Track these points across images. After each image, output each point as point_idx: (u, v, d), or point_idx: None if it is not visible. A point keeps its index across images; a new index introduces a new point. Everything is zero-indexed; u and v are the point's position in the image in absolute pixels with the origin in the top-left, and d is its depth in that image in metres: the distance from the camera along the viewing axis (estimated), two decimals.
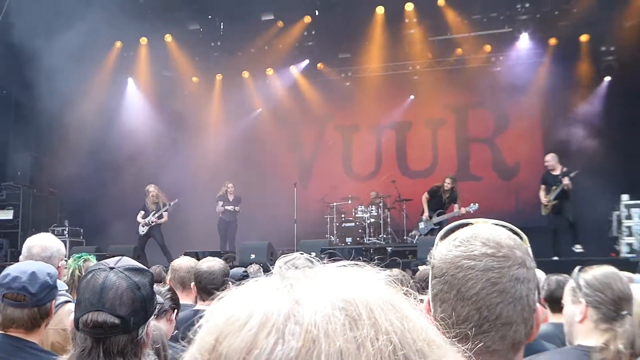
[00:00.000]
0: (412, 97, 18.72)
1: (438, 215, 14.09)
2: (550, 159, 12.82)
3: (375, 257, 13.02)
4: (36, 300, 2.58)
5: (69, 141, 16.50)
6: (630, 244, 12.31)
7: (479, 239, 1.40)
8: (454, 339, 1.36)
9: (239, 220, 15.43)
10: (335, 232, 16.10)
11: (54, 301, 2.70)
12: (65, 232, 15.10)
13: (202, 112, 19.29)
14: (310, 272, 0.68)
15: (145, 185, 14.54)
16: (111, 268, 1.91)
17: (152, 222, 14.13)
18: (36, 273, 2.58)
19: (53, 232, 14.76)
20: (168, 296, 3.58)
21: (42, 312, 2.63)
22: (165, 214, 14.25)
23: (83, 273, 3.31)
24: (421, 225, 14.36)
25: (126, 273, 1.90)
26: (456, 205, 13.90)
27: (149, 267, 7.71)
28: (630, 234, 12.41)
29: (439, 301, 1.40)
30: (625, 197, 12.68)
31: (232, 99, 19.20)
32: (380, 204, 15.79)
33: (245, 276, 5.64)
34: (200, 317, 0.67)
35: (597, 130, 15.52)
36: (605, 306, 2.48)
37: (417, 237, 14.44)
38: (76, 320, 1.90)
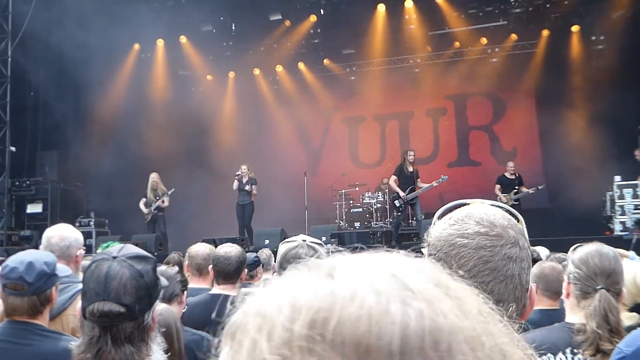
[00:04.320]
0: None
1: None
2: (513, 165, 14.02)
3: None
4: (35, 289, 2.55)
5: (94, 137, 16.49)
6: (623, 222, 12.18)
7: (473, 218, 1.33)
8: None
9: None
10: (344, 217, 16.05)
11: (54, 288, 2.67)
12: (92, 223, 15.12)
13: (217, 107, 19.27)
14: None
15: (161, 175, 14.53)
16: (114, 257, 1.84)
17: (154, 211, 14.17)
18: (33, 263, 2.55)
19: (80, 223, 14.85)
20: (178, 279, 3.50)
21: (42, 299, 2.60)
22: (166, 199, 14.24)
23: None
24: (397, 203, 13.38)
25: (129, 261, 1.83)
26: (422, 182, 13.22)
27: (169, 253, 7.58)
28: (623, 213, 12.28)
29: None
30: (617, 178, 12.55)
31: (244, 94, 19.13)
32: (386, 190, 15.69)
33: (257, 261, 5.57)
34: (230, 301, 0.56)
35: (590, 115, 15.32)
36: (582, 282, 2.43)
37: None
38: (83, 310, 1.84)
